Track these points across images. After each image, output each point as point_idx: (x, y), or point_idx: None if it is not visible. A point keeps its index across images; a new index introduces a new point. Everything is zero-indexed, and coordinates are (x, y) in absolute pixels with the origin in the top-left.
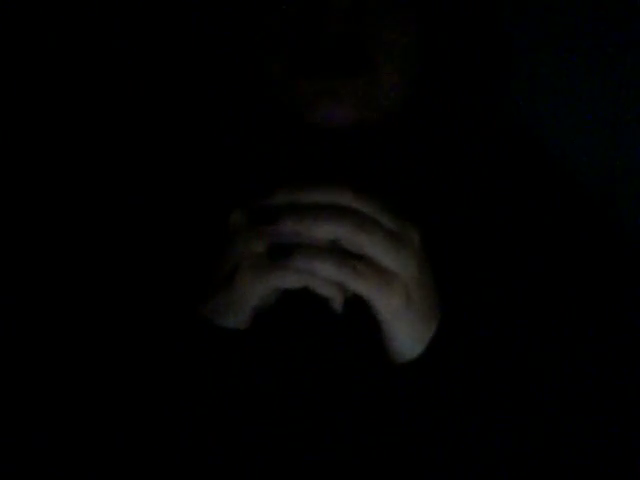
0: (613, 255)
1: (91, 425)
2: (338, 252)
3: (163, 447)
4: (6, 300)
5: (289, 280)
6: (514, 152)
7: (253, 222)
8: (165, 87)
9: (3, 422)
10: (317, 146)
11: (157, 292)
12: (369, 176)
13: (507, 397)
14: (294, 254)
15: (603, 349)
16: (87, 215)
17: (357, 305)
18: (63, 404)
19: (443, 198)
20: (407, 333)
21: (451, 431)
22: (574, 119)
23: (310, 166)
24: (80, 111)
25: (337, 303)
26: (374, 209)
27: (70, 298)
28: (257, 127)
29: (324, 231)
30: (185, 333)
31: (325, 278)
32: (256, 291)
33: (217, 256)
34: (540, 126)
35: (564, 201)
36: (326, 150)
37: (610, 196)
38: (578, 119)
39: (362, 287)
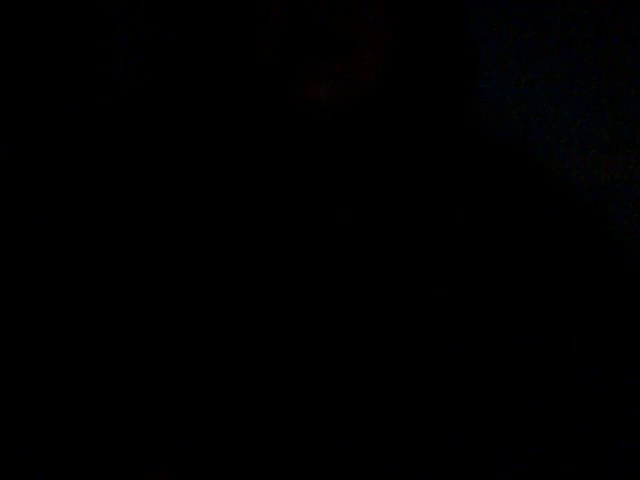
0: (609, 263)
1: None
2: None
3: None
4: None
5: None
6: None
7: None
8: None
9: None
10: (303, 122)
11: None
12: (348, 150)
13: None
14: None
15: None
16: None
17: None
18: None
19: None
20: None
21: None
22: (569, 120)
23: (295, 140)
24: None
25: None
26: None
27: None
28: (249, 106)
29: None
30: None
31: None
32: None
33: None
34: (529, 126)
35: (555, 205)
36: (310, 125)
37: (607, 203)
38: (574, 121)
39: None
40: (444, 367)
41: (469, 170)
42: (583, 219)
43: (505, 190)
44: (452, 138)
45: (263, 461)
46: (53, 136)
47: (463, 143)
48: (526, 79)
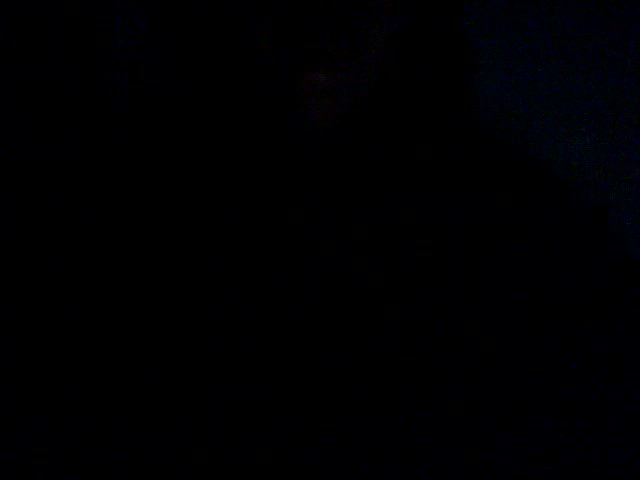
0: (609, 263)
1: None
2: None
3: None
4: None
5: None
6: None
7: None
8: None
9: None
10: (302, 112)
11: None
12: (348, 139)
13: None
14: None
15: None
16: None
17: None
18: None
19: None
20: None
21: None
22: (569, 119)
23: (295, 130)
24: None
25: None
26: None
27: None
28: (244, 95)
29: None
30: None
31: None
32: None
33: None
34: (530, 126)
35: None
36: (312, 113)
37: (607, 203)
38: (574, 120)
39: None
40: (444, 367)
41: (468, 169)
42: (583, 219)
43: (504, 189)
44: (451, 136)
45: (263, 459)
46: (53, 136)
47: (462, 142)
48: (526, 78)
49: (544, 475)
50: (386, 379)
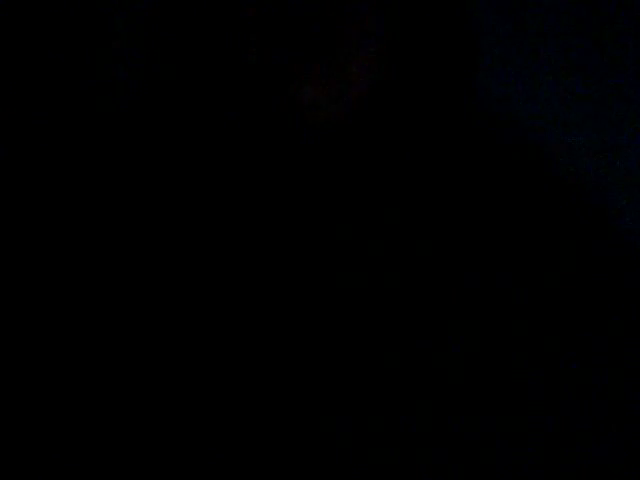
0: (609, 262)
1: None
2: None
3: None
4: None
5: None
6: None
7: None
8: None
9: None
10: (294, 124)
11: None
12: (343, 151)
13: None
14: None
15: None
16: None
17: None
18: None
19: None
20: None
21: None
22: (567, 116)
23: (288, 143)
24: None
25: None
26: None
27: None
28: (234, 105)
29: None
30: None
31: None
32: None
33: None
34: (530, 122)
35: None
36: (302, 126)
37: (606, 199)
38: (572, 116)
39: None
40: (444, 367)
41: (469, 169)
42: (583, 219)
43: (505, 189)
44: (451, 137)
45: (262, 461)
46: (53, 138)
47: (462, 142)
48: (527, 77)
49: (544, 475)
50: (384, 376)
